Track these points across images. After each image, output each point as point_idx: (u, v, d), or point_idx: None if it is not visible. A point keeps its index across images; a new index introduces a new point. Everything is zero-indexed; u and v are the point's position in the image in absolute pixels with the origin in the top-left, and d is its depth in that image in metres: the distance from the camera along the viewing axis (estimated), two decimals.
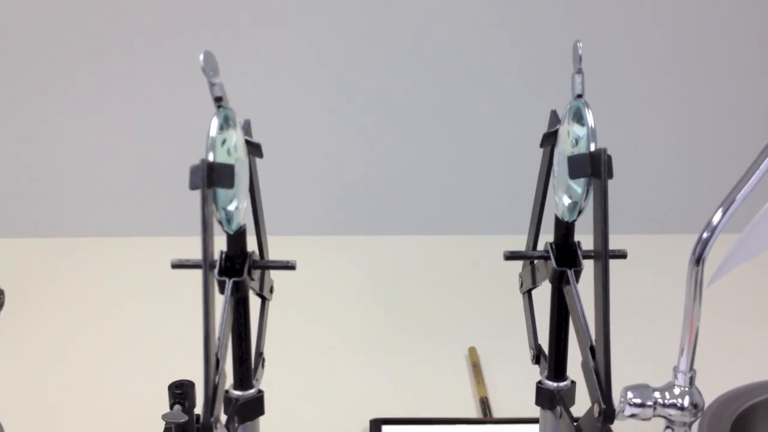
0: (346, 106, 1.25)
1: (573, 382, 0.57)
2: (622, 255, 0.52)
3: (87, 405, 0.84)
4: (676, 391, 0.58)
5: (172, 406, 0.56)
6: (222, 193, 0.48)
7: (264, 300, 0.59)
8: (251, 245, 0.55)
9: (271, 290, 0.60)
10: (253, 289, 0.56)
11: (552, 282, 0.54)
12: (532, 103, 1.21)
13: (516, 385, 0.87)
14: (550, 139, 0.55)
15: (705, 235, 0.56)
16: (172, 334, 0.98)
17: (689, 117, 1.26)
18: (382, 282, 1.14)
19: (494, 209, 1.28)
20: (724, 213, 0.56)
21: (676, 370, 0.60)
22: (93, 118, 1.24)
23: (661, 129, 1.27)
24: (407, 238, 1.26)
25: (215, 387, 0.45)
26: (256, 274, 0.55)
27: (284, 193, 1.27)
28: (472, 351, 0.96)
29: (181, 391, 0.58)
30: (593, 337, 0.49)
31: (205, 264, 0.45)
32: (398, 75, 1.23)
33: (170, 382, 0.58)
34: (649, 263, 1.15)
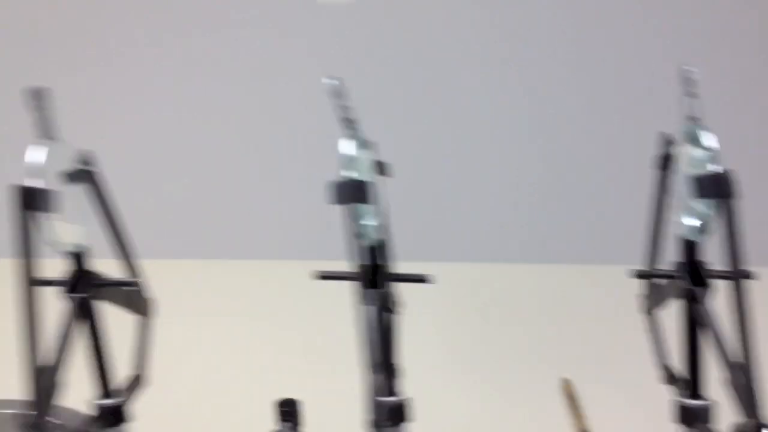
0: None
1: (712, 401, 0.57)
2: (747, 275, 0.53)
3: (194, 419, 0.86)
4: None
5: (279, 423, 0.57)
6: (361, 208, 0.50)
7: (392, 314, 0.60)
8: None
9: (399, 305, 0.61)
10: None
11: (682, 301, 0.55)
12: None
13: (614, 416, 0.87)
14: (663, 161, 0.56)
15: None
16: (277, 352, 1.00)
17: None
18: (479, 310, 1.14)
19: (592, 238, 1.27)
20: None
21: None
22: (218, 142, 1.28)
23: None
24: (506, 266, 1.26)
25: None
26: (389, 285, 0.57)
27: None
28: (567, 382, 0.95)
29: (288, 409, 0.59)
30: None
31: (358, 278, 0.48)
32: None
33: (275, 399, 0.59)
34: None
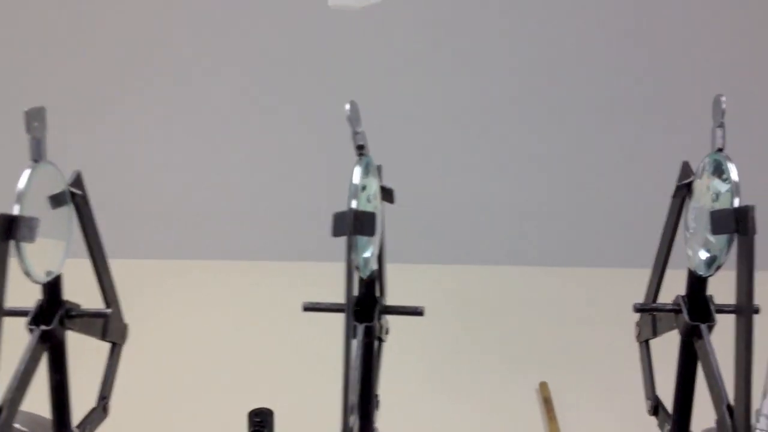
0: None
1: None
2: (757, 311, 0.52)
3: (165, 429, 0.84)
4: None
5: None
6: (361, 240, 0.48)
7: (380, 342, 0.59)
8: None
9: (387, 332, 0.60)
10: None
11: (682, 335, 0.54)
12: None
13: (589, 422, 0.87)
14: (682, 191, 0.55)
15: None
16: (250, 360, 0.98)
17: None
18: (455, 312, 1.13)
19: (573, 240, 1.27)
20: None
21: (758, 413, 0.60)
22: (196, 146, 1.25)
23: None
24: (483, 268, 1.25)
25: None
26: (382, 317, 0.55)
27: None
28: (543, 386, 0.95)
29: (260, 419, 0.58)
30: (729, 396, 0.48)
31: (349, 311, 0.46)
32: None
33: (249, 409, 0.58)
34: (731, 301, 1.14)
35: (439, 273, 1.23)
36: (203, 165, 1.26)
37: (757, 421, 0.63)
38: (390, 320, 1.11)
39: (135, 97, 1.23)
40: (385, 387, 0.93)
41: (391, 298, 1.18)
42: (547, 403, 0.92)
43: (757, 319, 0.84)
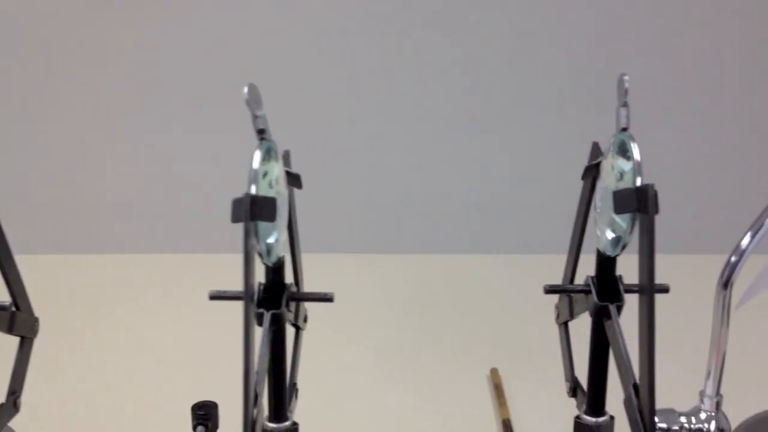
0: (379, 123, 1.25)
1: (612, 417, 0.57)
2: (664, 289, 0.52)
3: (109, 425, 0.84)
4: (702, 415, 0.59)
5: (195, 428, 0.56)
6: (263, 226, 0.48)
7: (298, 330, 0.59)
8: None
9: (305, 320, 0.59)
10: (289, 320, 0.55)
11: (592, 316, 0.54)
12: (565, 125, 1.21)
13: (539, 407, 0.87)
14: (591, 172, 0.55)
15: (733, 258, 0.56)
16: (194, 354, 0.98)
17: (717, 139, 1.25)
18: (405, 301, 1.13)
19: (520, 229, 1.27)
20: (752, 237, 0.56)
21: (702, 394, 0.60)
22: (127, 138, 1.24)
23: (689, 146, 1.26)
24: (432, 257, 1.26)
25: (254, 423, 0.45)
26: (292, 304, 0.55)
27: (308, 209, 1.26)
28: (494, 372, 0.95)
29: (204, 413, 0.57)
30: (636, 375, 0.48)
31: (247, 298, 0.45)
32: (439, 97, 1.22)
33: (193, 402, 0.58)
34: (675, 284, 1.14)
35: (388, 262, 1.24)
36: (112, 157, 1.24)
37: (702, 402, 0.63)
38: (338, 310, 1.11)
39: (27, 89, 1.21)
40: (332, 378, 0.93)
41: (336, 288, 1.18)
42: (497, 389, 0.92)
43: (692, 299, 0.83)
